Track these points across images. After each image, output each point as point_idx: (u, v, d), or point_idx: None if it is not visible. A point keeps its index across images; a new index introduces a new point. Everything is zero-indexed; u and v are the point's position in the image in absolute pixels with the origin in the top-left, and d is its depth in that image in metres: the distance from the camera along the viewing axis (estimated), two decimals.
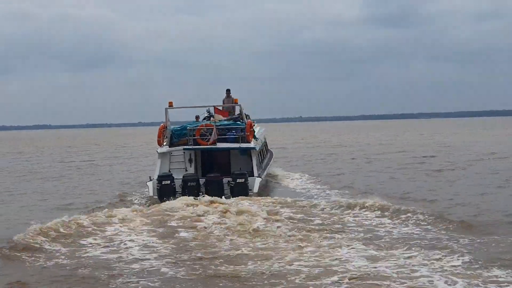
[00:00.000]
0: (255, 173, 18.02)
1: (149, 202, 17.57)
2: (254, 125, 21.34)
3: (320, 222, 13.91)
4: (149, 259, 10.84)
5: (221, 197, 16.59)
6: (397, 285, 8.80)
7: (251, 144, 18.33)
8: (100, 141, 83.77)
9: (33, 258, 11.02)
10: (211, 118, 19.42)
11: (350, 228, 13.15)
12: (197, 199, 16.46)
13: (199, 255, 10.99)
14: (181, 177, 17.43)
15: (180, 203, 15.95)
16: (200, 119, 20.05)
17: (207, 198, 16.42)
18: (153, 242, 12.16)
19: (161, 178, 17.35)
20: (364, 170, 27.26)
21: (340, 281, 9.10)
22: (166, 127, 18.79)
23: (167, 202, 16.30)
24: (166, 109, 18.63)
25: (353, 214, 14.80)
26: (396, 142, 54.48)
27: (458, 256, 10.20)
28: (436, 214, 14.25)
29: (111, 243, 12.18)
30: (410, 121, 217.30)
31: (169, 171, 18.08)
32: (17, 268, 10.46)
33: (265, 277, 9.53)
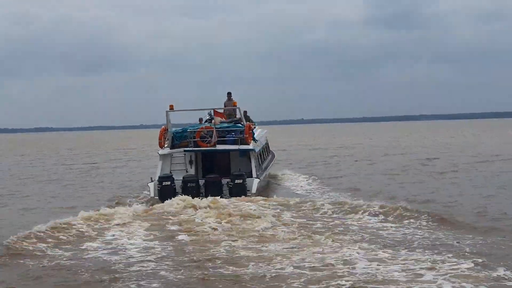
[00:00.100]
0: (254, 174, 18.32)
1: (150, 202, 17.80)
2: (254, 128, 21.78)
3: (323, 224, 13.80)
4: (149, 262, 10.74)
5: (220, 198, 16.83)
6: None
7: (250, 146, 18.67)
8: (102, 144, 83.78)
9: (29, 262, 10.93)
10: (212, 121, 19.74)
11: (353, 230, 13.02)
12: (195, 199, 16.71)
13: (198, 257, 10.88)
14: (181, 178, 17.77)
15: (179, 205, 16.07)
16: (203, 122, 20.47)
17: (207, 199, 16.60)
18: (152, 245, 12.07)
19: (161, 179, 17.68)
20: (367, 172, 27.14)
21: (343, 285, 8.94)
22: (167, 129, 19.16)
23: (166, 202, 16.60)
24: (167, 112, 18.99)
25: (357, 216, 14.70)
26: (399, 144, 54.36)
27: (464, 259, 10.08)
28: (440, 216, 14.15)
29: (111, 246, 12.09)
30: (413, 123, 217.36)
31: (170, 172, 18.39)
32: (11, 273, 10.33)
33: (266, 280, 9.40)
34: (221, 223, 14.05)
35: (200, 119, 20.70)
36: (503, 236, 11.92)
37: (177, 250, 11.67)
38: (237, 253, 11.10)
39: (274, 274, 9.63)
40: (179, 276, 9.79)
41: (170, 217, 15.03)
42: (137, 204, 17.35)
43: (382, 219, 14.24)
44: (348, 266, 9.92)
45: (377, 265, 9.91)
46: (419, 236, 12.16)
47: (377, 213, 14.76)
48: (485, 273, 9.26)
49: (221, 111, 21.14)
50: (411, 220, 13.81)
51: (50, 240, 12.54)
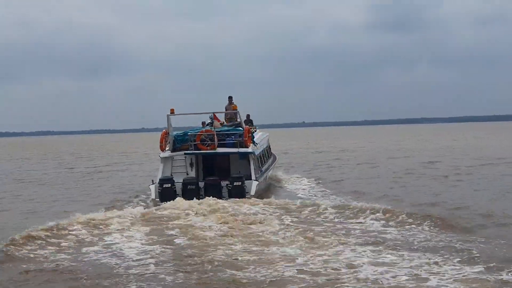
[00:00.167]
0: (253, 176, 18.63)
1: (151, 204, 18.06)
2: (255, 131, 22.17)
3: (325, 227, 13.67)
4: (148, 265, 10.65)
5: (220, 199, 17.24)
6: None
7: (249, 149, 19.01)
8: (104, 147, 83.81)
9: (27, 266, 10.84)
10: (213, 124, 20.10)
11: (356, 233, 12.89)
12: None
13: (198, 260, 10.77)
14: (182, 181, 18.13)
15: (179, 208, 16.18)
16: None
17: (205, 200, 16.99)
18: (151, 248, 11.98)
19: (162, 181, 18.03)
20: (370, 175, 27.01)
21: None
22: (168, 133, 19.46)
23: (164, 204, 16.79)
24: (167, 116, 19.26)
25: (360, 219, 14.57)
26: (401, 147, 54.28)
27: (469, 263, 9.97)
28: (444, 220, 14.03)
29: (109, 249, 12.01)
30: (414, 126, 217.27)
31: (171, 175, 18.72)
32: (9, 276, 10.24)
33: (265, 284, 9.29)
34: (220, 225, 13.98)
35: (203, 123, 21.04)
36: (509, 239, 11.80)
37: (176, 253, 11.57)
38: (237, 256, 10.98)
39: (274, 278, 9.52)
40: (178, 280, 9.70)
41: (169, 219, 14.97)
42: (138, 207, 17.50)
43: (386, 222, 14.08)
44: (352, 270, 9.79)
45: (382, 269, 9.77)
46: (423, 240, 12.02)
47: (380, 216, 14.60)
48: (490, 277, 9.15)
49: (222, 114, 21.49)
50: (415, 224, 13.66)
51: (48, 243, 12.48)
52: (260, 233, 13.01)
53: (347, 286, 9.02)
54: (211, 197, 17.36)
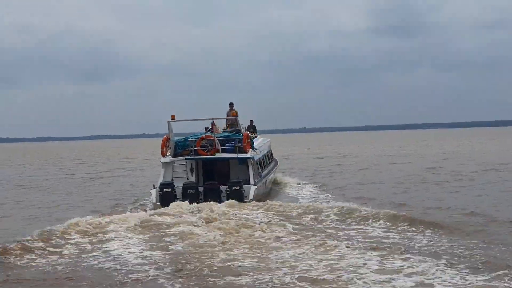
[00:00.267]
0: (252, 181, 18.92)
1: (151, 208, 18.21)
2: (255, 137, 22.77)
3: (327, 233, 13.57)
4: (147, 270, 10.59)
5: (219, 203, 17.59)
6: None
7: (248, 154, 19.30)
8: (105, 153, 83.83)
9: (25, 271, 10.78)
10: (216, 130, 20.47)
11: (359, 239, 12.78)
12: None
13: (197, 266, 10.67)
14: (182, 185, 18.53)
15: (177, 211, 16.38)
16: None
17: (205, 205, 17.23)
18: (151, 253, 11.91)
19: (162, 186, 18.44)
20: (372, 181, 26.92)
21: None
22: (169, 138, 19.78)
23: (162, 209, 17.01)
24: (168, 122, 19.55)
25: (362, 225, 14.49)
26: (404, 152, 54.24)
27: (473, 269, 9.91)
28: (447, 225, 13.98)
29: (108, 254, 11.94)
30: (416, 131, 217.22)
31: (172, 179, 19.12)
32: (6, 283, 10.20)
33: None
34: (220, 232, 13.88)
35: (206, 128, 21.32)
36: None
37: (176, 258, 11.47)
38: (236, 262, 10.87)
39: (274, 285, 9.41)
40: (177, 286, 9.64)
41: (167, 224, 14.96)
42: (137, 212, 17.65)
43: (389, 228, 13.98)
44: (356, 276, 9.66)
45: (387, 276, 9.64)
46: (427, 245, 11.91)
47: (383, 221, 14.52)
48: (496, 284, 9.06)
49: (221, 122, 21.96)
50: (418, 229, 13.56)
51: (47, 249, 12.42)
52: (260, 239, 12.90)
53: None
54: (210, 201, 17.70)
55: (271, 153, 26.22)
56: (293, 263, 10.59)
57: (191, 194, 18.07)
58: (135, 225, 14.92)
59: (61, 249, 12.43)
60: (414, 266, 10.16)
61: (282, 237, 13.12)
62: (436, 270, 9.90)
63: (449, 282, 9.25)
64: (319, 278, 9.67)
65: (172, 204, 17.27)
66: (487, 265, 10.13)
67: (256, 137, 23.61)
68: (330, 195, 21.44)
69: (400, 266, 10.22)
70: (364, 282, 9.33)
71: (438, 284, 9.18)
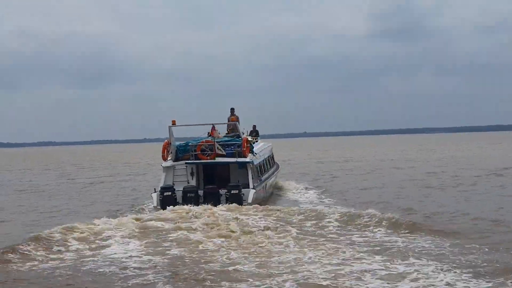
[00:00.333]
0: (251, 185, 19.17)
1: (152, 211, 18.38)
2: (256, 141, 23.32)
3: (329, 237, 13.51)
4: (146, 275, 10.54)
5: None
6: None
7: (247, 159, 19.63)
8: (106, 158, 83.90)
9: (24, 275, 10.72)
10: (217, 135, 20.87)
11: (361, 243, 12.71)
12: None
13: (196, 271, 10.61)
14: (182, 189, 18.84)
15: (177, 214, 16.53)
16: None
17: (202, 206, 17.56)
18: (149, 258, 11.86)
19: (163, 189, 18.72)
20: (373, 185, 26.84)
21: None
22: (170, 143, 20.01)
23: (160, 212, 17.27)
24: (169, 127, 19.81)
25: (364, 229, 14.45)
26: (406, 157, 54.23)
27: (475, 273, 9.86)
28: (451, 229, 13.97)
29: (108, 258, 11.91)
30: (417, 136, 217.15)
31: (173, 183, 19.46)
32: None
33: None
34: (218, 235, 13.92)
35: (209, 133, 21.53)
36: None
37: (175, 263, 11.43)
38: (236, 267, 10.79)
39: None
40: None
41: (166, 228, 14.97)
42: (138, 215, 17.71)
43: (391, 232, 13.92)
44: (359, 282, 9.60)
45: (390, 281, 9.58)
46: (430, 250, 11.81)
47: (386, 226, 14.47)
48: None
49: (220, 128, 22.21)
50: (421, 234, 13.50)
51: (45, 252, 12.41)
52: (260, 243, 12.84)
53: None
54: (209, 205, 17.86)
55: (273, 158, 26.42)
56: (294, 269, 10.51)
57: (191, 198, 18.33)
58: (135, 229, 14.89)
59: (60, 254, 12.40)
60: (418, 271, 10.08)
61: (282, 241, 13.05)
62: (439, 274, 9.84)
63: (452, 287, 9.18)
64: (321, 284, 9.58)
65: (170, 208, 17.55)
66: (490, 270, 10.08)
67: (256, 141, 23.86)
68: (332, 200, 21.41)
69: (404, 271, 10.13)
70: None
71: None
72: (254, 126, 26.07)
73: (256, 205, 18.06)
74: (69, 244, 13.16)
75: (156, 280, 10.16)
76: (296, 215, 16.63)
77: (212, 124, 20.81)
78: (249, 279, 9.97)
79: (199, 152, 19.63)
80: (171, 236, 13.98)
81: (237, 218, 15.78)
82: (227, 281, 9.89)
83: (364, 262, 10.81)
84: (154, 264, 11.27)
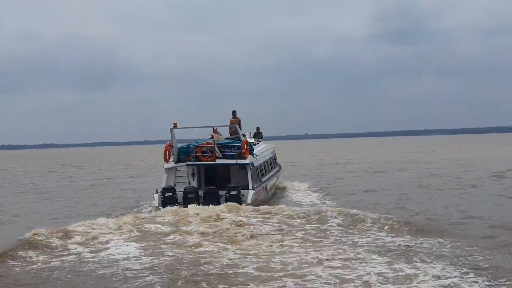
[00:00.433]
0: (250, 186, 19.53)
1: (153, 212, 18.46)
2: (258, 143, 23.88)
3: (331, 239, 13.42)
4: (145, 276, 10.52)
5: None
6: None
7: (247, 160, 19.97)
8: (107, 160, 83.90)
9: (22, 277, 10.70)
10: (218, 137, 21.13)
11: (364, 245, 12.61)
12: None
13: (195, 273, 10.57)
14: (182, 190, 19.24)
15: (177, 214, 16.62)
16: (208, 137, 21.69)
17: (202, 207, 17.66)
18: (149, 259, 11.85)
19: (164, 190, 19.20)
20: (376, 187, 26.74)
21: None
22: (172, 145, 20.52)
23: (164, 211, 17.37)
24: (171, 129, 20.28)
25: (367, 230, 14.40)
26: (407, 159, 54.18)
27: (478, 275, 9.82)
28: (454, 230, 13.97)
29: (107, 259, 11.90)
30: (417, 138, 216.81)
31: (175, 184, 19.90)
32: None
33: None
34: (219, 235, 13.94)
35: (212, 135, 21.83)
36: None
37: (174, 264, 11.39)
38: (236, 269, 10.72)
39: None
40: None
41: (166, 229, 14.99)
42: (137, 214, 17.95)
43: (394, 234, 13.84)
44: (364, 285, 9.52)
45: (394, 284, 9.52)
46: (433, 252, 11.71)
47: (389, 227, 14.41)
48: None
49: (222, 129, 22.64)
50: (424, 236, 13.42)
51: (44, 253, 12.42)
52: (261, 245, 12.78)
53: None
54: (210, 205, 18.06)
55: (275, 159, 26.66)
56: (296, 271, 10.40)
57: (191, 198, 18.69)
58: (134, 229, 14.91)
59: (58, 256, 12.38)
60: (425, 273, 10.01)
61: (283, 243, 12.98)
62: (445, 276, 9.80)
63: None
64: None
65: (167, 208, 17.77)
66: (493, 271, 10.06)
67: (258, 143, 24.21)
68: (334, 201, 21.38)
69: (410, 273, 10.06)
70: None
71: None
72: (258, 128, 26.50)
73: (255, 206, 18.10)
74: (68, 246, 13.13)
75: (154, 282, 10.14)
76: (297, 216, 16.53)
77: (213, 126, 21.11)
78: (249, 283, 9.86)
79: (200, 154, 20.04)
80: (170, 238, 13.96)
81: (236, 220, 15.74)
82: (227, 284, 9.83)
83: (369, 265, 10.72)
84: (153, 266, 11.22)
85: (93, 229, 14.70)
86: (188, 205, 17.94)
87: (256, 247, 12.54)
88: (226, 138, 21.69)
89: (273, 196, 23.60)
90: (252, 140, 23.88)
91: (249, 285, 9.72)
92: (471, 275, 9.87)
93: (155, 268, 11.06)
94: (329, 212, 16.91)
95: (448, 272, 10.06)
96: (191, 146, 20.38)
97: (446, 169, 36.77)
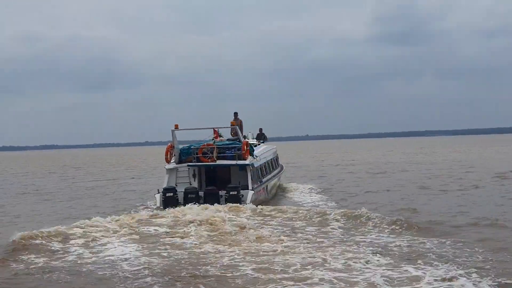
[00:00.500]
0: (250, 186, 19.83)
1: (154, 211, 18.46)
2: (259, 144, 24.28)
3: (333, 240, 13.34)
4: (145, 277, 10.47)
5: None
6: None
7: (247, 161, 20.25)
8: (108, 161, 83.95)
9: (22, 278, 10.66)
10: (219, 139, 21.65)
11: (366, 246, 12.52)
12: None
13: (195, 274, 10.48)
14: (183, 190, 19.62)
15: (177, 215, 16.70)
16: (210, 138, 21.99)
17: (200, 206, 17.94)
18: (148, 260, 11.78)
19: (165, 191, 19.59)
20: (378, 188, 26.68)
21: None
22: (174, 146, 20.89)
23: (164, 212, 17.54)
24: (172, 131, 20.64)
25: (369, 231, 14.36)
26: (408, 160, 54.14)
27: (482, 278, 9.71)
28: (456, 231, 13.93)
29: (106, 261, 11.83)
30: (419, 139, 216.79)
31: (176, 185, 20.26)
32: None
33: None
34: (214, 235, 13.94)
35: (213, 138, 22.16)
36: None
37: (173, 265, 11.35)
38: (236, 271, 10.64)
39: None
40: None
41: (165, 229, 14.97)
42: (139, 213, 18.08)
43: (397, 234, 13.80)
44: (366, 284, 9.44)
45: (398, 286, 9.45)
46: (436, 253, 11.66)
47: (391, 228, 14.40)
48: None
49: (223, 130, 22.90)
50: (426, 236, 13.38)
51: (43, 253, 12.39)
52: (262, 246, 12.71)
53: None
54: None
55: (276, 160, 26.83)
56: (297, 273, 10.31)
57: (191, 198, 19.02)
58: (134, 230, 14.89)
59: (58, 256, 12.33)
60: (429, 274, 9.96)
61: (284, 243, 12.93)
62: (449, 276, 9.76)
63: None
64: None
65: (168, 209, 17.90)
66: (496, 271, 10.02)
67: (259, 145, 24.43)
68: (336, 202, 21.34)
69: (414, 275, 10.00)
70: None
71: None
72: (261, 130, 27.00)
73: (256, 207, 18.22)
74: (67, 247, 13.09)
75: (154, 283, 10.08)
76: (299, 217, 16.51)
77: (213, 128, 21.45)
78: (249, 285, 9.75)
79: (201, 155, 20.34)
80: (170, 239, 13.92)
81: (235, 221, 15.76)
82: (226, 286, 9.76)
83: (373, 266, 10.65)
84: (152, 267, 11.15)
85: (92, 230, 14.67)
86: (189, 206, 18.06)
87: (257, 248, 12.47)
88: (228, 140, 21.87)
89: (275, 196, 23.79)
90: (254, 142, 24.07)
91: (249, 287, 9.64)
92: (474, 275, 9.82)
93: (155, 269, 11.00)
94: (331, 213, 16.87)
95: (452, 273, 9.99)
96: (192, 147, 20.63)
97: (447, 170, 36.71)
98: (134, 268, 11.09)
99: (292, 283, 9.67)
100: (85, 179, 41.49)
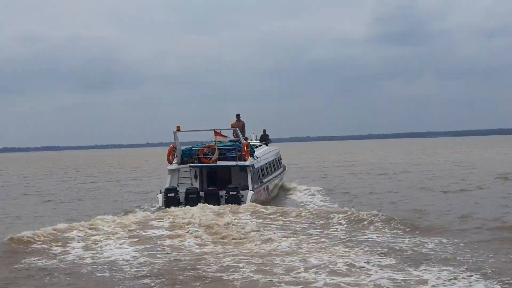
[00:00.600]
0: (250, 187, 20.15)
1: (156, 212, 18.85)
2: (261, 145, 24.69)
3: (334, 241, 13.30)
4: (143, 278, 10.42)
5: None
6: None
7: (247, 162, 20.62)
8: (109, 162, 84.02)
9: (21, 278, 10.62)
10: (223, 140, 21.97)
11: (368, 246, 12.46)
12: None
13: (194, 276, 10.43)
14: (184, 190, 19.94)
15: (177, 215, 16.87)
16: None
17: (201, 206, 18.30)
18: (148, 261, 11.73)
19: (167, 191, 19.96)
20: (380, 189, 26.63)
21: None
22: (175, 147, 21.23)
23: (165, 212, 17.85)
24: (174, 132, 21.01)
25: (370, 231, 14.30)
26: (410, 160, 54.09)
27: (484, 278, 9.66)
28: (459, 232, 13.87)
29: (105, 262, 11.79)
30: (420, 140, 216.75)
31: (178, 185, 20.60)
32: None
33: None
34: (215, 237, 13.89)
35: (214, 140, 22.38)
36: None
37: (173, 265, 11.30)
38: (236, 273, 10.54)
39: None
40: None
41: (164, 230, 14.96)
42: (140, 212, 18.33)
43: (398, 235, 13.74)
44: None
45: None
46: (438, 253, 11.58)
47: (394, 228, 14.36)
48: None
49: (225, 131, 22.93)
50: (429, 237, 13.32)
51: (42, 253, 12.38)
52: (261, 247, 12.67)
53: None
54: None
55: (279, 161, 26.99)
56: (298, 274, 10.25)
57: (192, 199, 19.38)
58: (134, 231, 14.88)
59: (59, 257, 12.30)
60: (433, 275, 9.90)
61: (285, 244, 12.88)
62: (453, 277, 9.71)
63: None
64: None
65: (168, 210, 18.15)
66: (499, 271, 9.95)
67: (260, 146, 24.73)
68: (338, 202, 21.28)
69: (418, 276, 9.93)
70: None
71: None
72: (264, 131, 27.34)
73: (256, 207, 18.27)
74: (67, 247, 13.06)
75: (153, 284, 10.03)
76: (301, 218, 16.47)
77: (214, 130, 21.67)
78: (249, 286, 9.68)
79: (202, 156, 20.72)
80: (169, 240, 13.89)
81: (234, 221, 15.75)
82: (225, 286, 9.73)
83: (375, 267, 10.58)
84: (152, 268, 11.09)
85: (93, 231, 14.65)
86: (190, 207, 18.35)
87: (258, 250, 12.40)
88: (230, 141, 22.08)
89: (276, 197, 24.01)
90: (257, 143, 24.36)
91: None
92: (477, 276, 9.76)
93: (154, 270, 10.95)
94: (333, 213, 16.81)
95: (455, 273, 9.94)
96: (193, 148, 21.05)
97: (449, 171, 36.66)
98: (134, 269, 11.05)
99: (293, 287, 9.55)
100: (87, 180, 41.49)
